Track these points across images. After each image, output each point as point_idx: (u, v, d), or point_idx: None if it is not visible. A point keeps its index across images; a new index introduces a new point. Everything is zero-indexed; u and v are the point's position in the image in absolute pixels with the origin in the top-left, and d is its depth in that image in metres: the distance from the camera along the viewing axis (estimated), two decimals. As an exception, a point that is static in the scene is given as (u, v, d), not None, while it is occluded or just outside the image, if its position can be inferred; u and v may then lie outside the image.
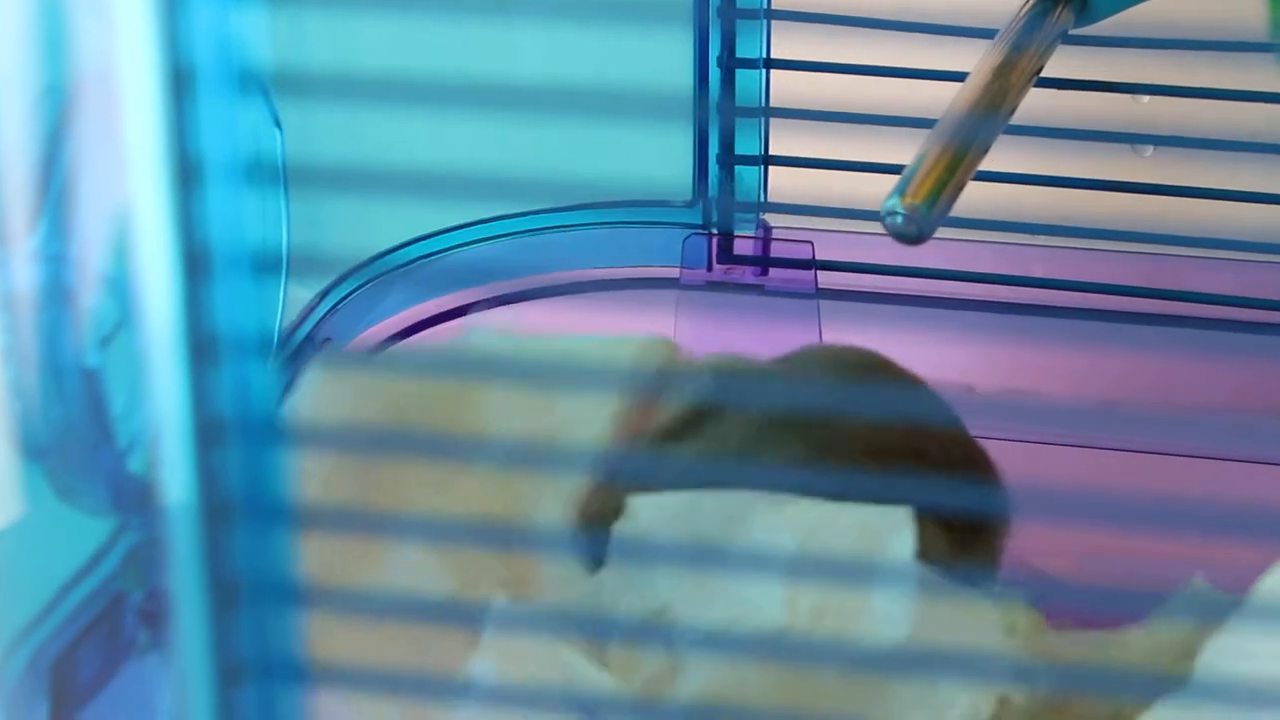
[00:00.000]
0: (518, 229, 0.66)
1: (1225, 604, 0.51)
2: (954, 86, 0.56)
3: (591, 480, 0.54)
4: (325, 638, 0.36)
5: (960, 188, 0.52)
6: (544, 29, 0.64)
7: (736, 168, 0.66)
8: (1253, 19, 0.54)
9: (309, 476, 0.36)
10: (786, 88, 0.65)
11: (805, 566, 0.49)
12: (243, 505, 0.34)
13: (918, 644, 0.48)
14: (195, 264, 0.32)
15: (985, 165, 0.53)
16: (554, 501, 0.54)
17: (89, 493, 0.46)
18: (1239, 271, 0.64)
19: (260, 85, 0.33)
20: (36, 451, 0.45)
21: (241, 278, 0.33)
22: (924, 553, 0.49)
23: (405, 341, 0.65)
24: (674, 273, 0.67)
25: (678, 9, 0.64)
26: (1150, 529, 0.35)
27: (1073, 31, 0.59)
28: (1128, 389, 0.66)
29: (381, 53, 0.59)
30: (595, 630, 0.50)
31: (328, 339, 0.63)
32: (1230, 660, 0.46)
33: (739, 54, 0.65)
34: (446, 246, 0.66)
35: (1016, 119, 0.56)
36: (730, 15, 0.64)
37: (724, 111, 0.65)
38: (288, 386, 0.51)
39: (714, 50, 0.64)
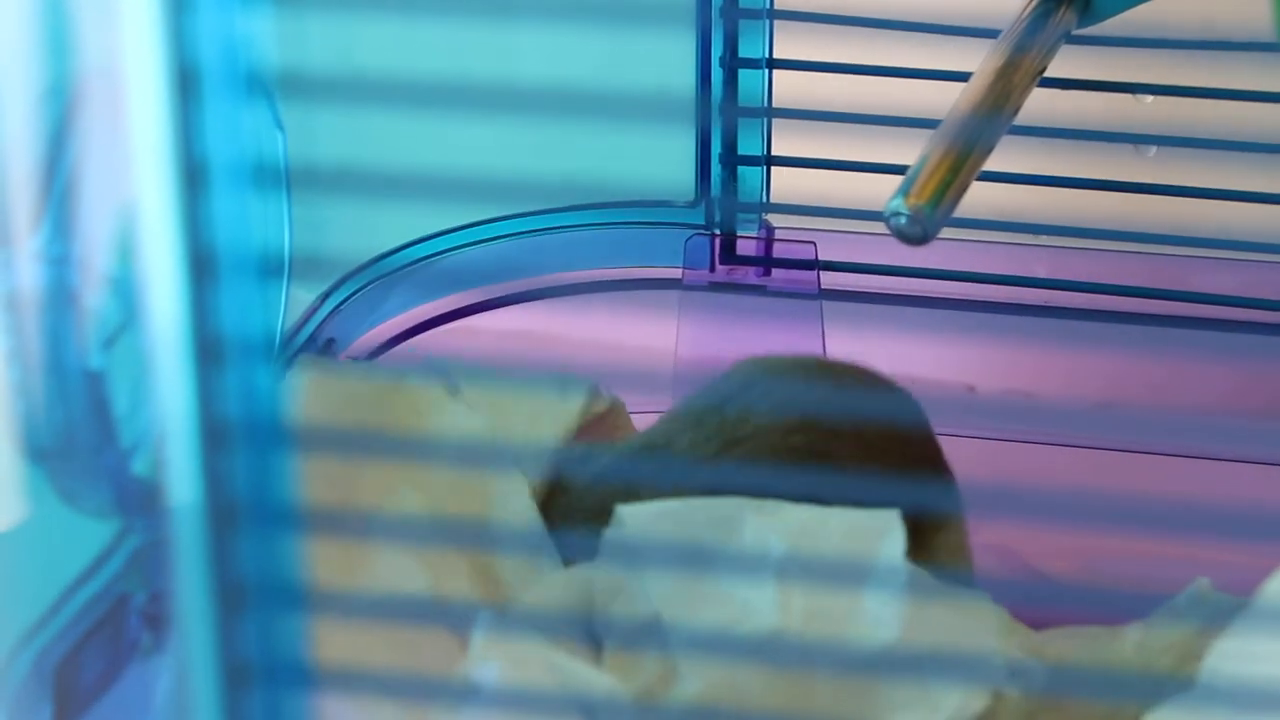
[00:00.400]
0: (520, 230, 0.66)
1: (1229, 606, 0.51)
2: (957, 87, 0.56)
3: (550, 479, 0.55)
4: (324, 641, 0.36)
5: (964, 189, 0.52)
6: (546, 30, 0.64)
7: (739, 168, 0.66)
8: (1257, 19, 0.54)
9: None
10: (789, 88, 0.65)
11: (797, 569, 0.49)
12: (248, 508, 0.34)
13: (909, 644, 0.48)
14: (201, 266, 0.32)
15: (989, 166, 0.53)
16: (522, 501, 0.54)
17: (92, 495, 0.46)
18: (1242, 272, 0.64)
19: (264, 87, 0.33)
20: (40, 454, 0.45)
21: (247, 280, 0.32)
22: None
23: (407, 342, 0.65)
24: (676, 273, 0.67)
25: (680, 10, 0.64)
26: (1117, 529, 0.35)
27: (1076, 32, 0.59)
28: (1130, 389, 0.66)
29: (383, 55, 0.59)
30: (589, 636, 0.50)
31: (331, 340, 0.63)
32: (1235, 662, 0.46)
33: (742, 54, 0.65)
34: (448, 248, 0.66)
35: (1020, 119, 0.56)
36: (733, 15, 0.64)
37: (726, 112, 0.65)
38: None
39: (716, 50, 0.64)
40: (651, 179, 0.66)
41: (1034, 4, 0.58)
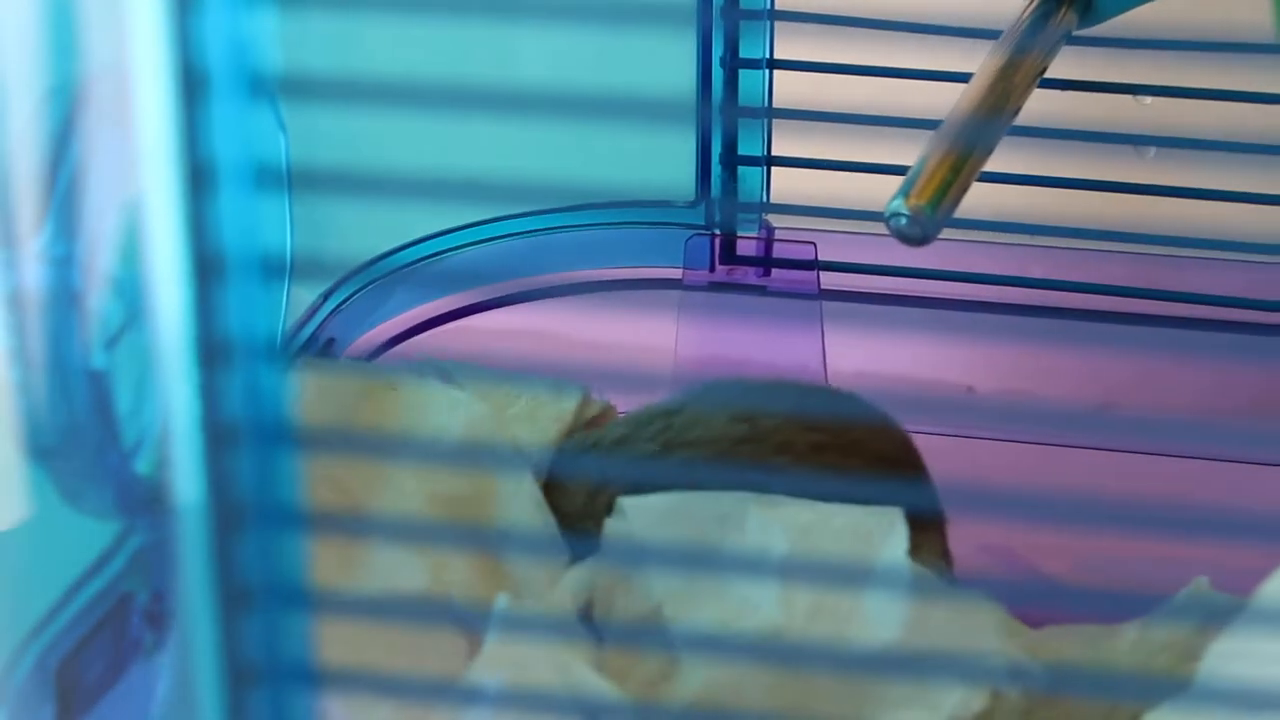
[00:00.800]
0: (520, 230, 0.66)
1: (1227, 605, 0.51)
2: (957, 88, 0.56)
3: (546, 477, 0.55)
4: (328, 642, 0.36)
5: (964, 189, 0.52)
6: (547, 31, 0.64)
7: (739, 168, 0.66)
8: (1257, 20, 0.54)
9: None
10: (790, 89, 0.65)
11: (799, 567, 0.49)
12: (252, 508, 0.34)
13: (911, 643, 0.48)
14: (205, 266, 0.32)
15: (989, 167, 0.53)
16: (529, 498, 0.54)
17: (95, 495, 0.46)
18: (1242, 273, 0.64)
19: (267, 88, 0.33)
20: (42, 453, 0.45)
21: (251, 280, 0.33)
22: None
23: (407, 342, 0.65)
24: (677, 274, 0.67)
25: (681, 10, 0.64)
26: (1113, 529, 0.35)
27: (1076, 33, 0.59)
28: (1128, 389, 0.66)
29: (384, 56, 0.59)
30: (591, 633, 0.50)
31: (331, 339, 0.63)
32: (1234, 662, 0.46)
33: (742, 55, 0.65)
34: (449, 248, 0.66)
35: (1020, 120, 0.56)
36: (733, 16, 0.64)
37: (727, 112, 0.65)
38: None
39: (717, 51, 0.64)
40: (652, 179, 0.66)
41: (1034, 5, 0.58)
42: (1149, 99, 0.64)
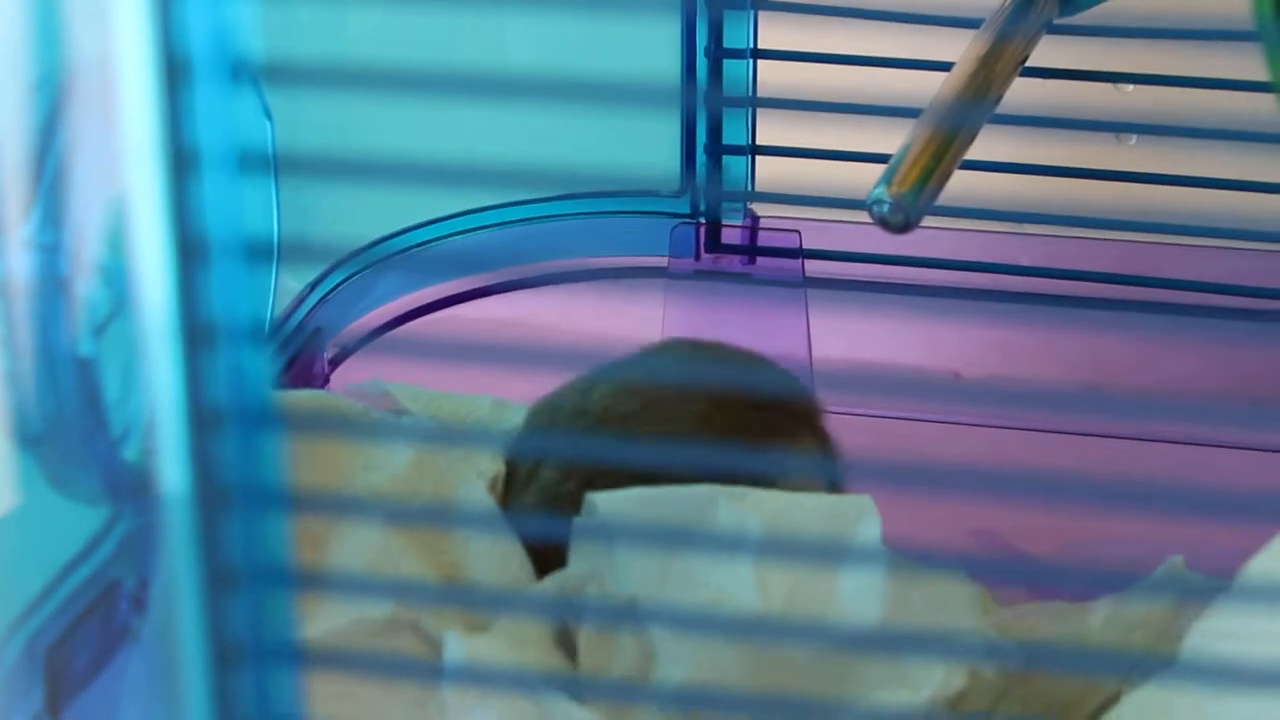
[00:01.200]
0: (507, 219, 0.67)
1: (1202, 585, 0.52)
2: (940, 76, 0.56)
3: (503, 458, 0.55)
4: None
5: (946, 176, 0.53)
6: (531, 19, 0.64)
7: (724, 157, 0.66)
8: (1236, 8, 0.54)
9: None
10: (774, 78, 0.66)
11: (774, 553, 0.49)
12: (237, 490, 0.34)
13: (890, 624, 0.48)
14: (191, 251, 0.32)
15: (971, 154, 0.54)
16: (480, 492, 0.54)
17: (83, 481, 0.46)
18: (1222, 258, 0.64)
19: (251, 75, 0.33)
20: (31, 440, 0.45)
21: (236, 265, 0.33)
22: None
23: (392, 332, 0.66)
24: (662, 262, 0.67)
25: (665, 0, 0.64)
26: (1093, 509, 0.36)
27: (1057, 21, 0.59)
28: (1114, 375, 0.66)
29: (368, 42, 0.60)
30: (564, 625, 0.50)
31: (318, 329, 0.63)
32: (1217, 640, 0.46)
33: (726, 44, 0.65)
34: (435, 237, 0.66)
35: (1001, 108, 0.56)
36: (717, 6, 0.64)
37: (711, 101, 0.65)
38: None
39: (701, 41, 0.65)
40: (637, 169, 0.66)
41: (1016, -7, 0.59)
42: (1129, 87, 0.64)
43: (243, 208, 0.33)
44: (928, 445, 0.65)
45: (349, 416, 0.54)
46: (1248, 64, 0.56)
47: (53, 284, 0.44)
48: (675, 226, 0.67)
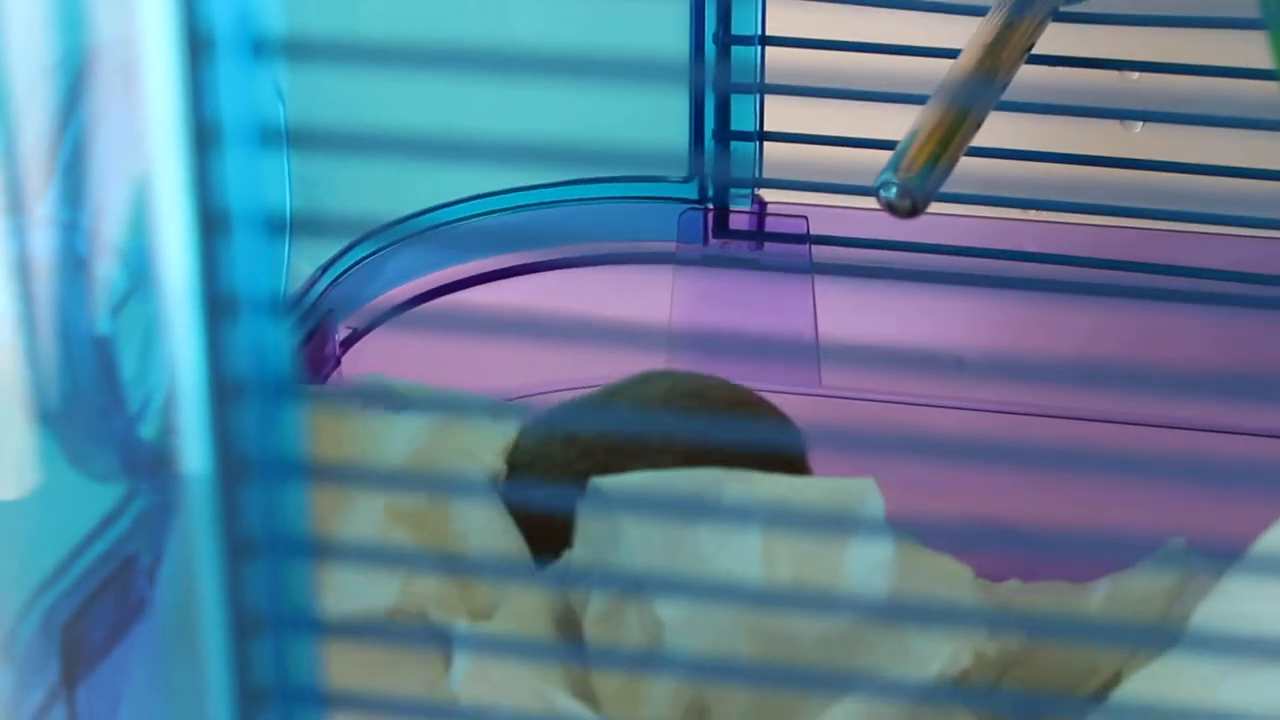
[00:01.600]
0: (516, 204, 0.67)
1: (1203, 565, 0.52)
2: (947, 62, 0.56)
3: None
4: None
5: (954, 161, 0.53)
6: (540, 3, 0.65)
7: (732, 143, 0.66)
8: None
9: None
10: (782, 63, 0.66)
11: (779, 536, 0.50)
12: (258, 461, 0.35)
13: (896, 603, 0.49)
14: (212, 225, 0.33)
15: (977, 140, 0.54)
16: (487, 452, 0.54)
17: (99, 458, 0.47)
18: (1228, 245, 0.65)
19: (271, 51, 0.34)
20: (49, 417, 0.45)
21: (257, 239, 0.33)
22: None
23: (401, 316, 0.66)
24: (670, 247, 0.67)
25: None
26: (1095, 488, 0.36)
27: (1064, 9, 0.60)
28: (1117, 352, 0.67)
29: (378, 18, 0.60)
30: (569, 612, 0.50)
31: (330, 311, 0.63)
32: (1226, 614, 0.46)
33: (735, 30, 0.65)
34: (444, 221, 0.66)
35: (1008, 94, 0.56)
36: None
37: (719, 86, 0.65)
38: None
39: (710, 26, 0.65)
40: (646, 155, 0.67)
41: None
42: (1135, 73, 0.64)
43: (263, 182, 0.33)
44: (932, 429, 0.65)
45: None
46: (1253, 50, 0.57)
47: (71, 262, 0.44)
48: (683, 212, 0.67)
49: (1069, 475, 0.36)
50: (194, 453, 0.35)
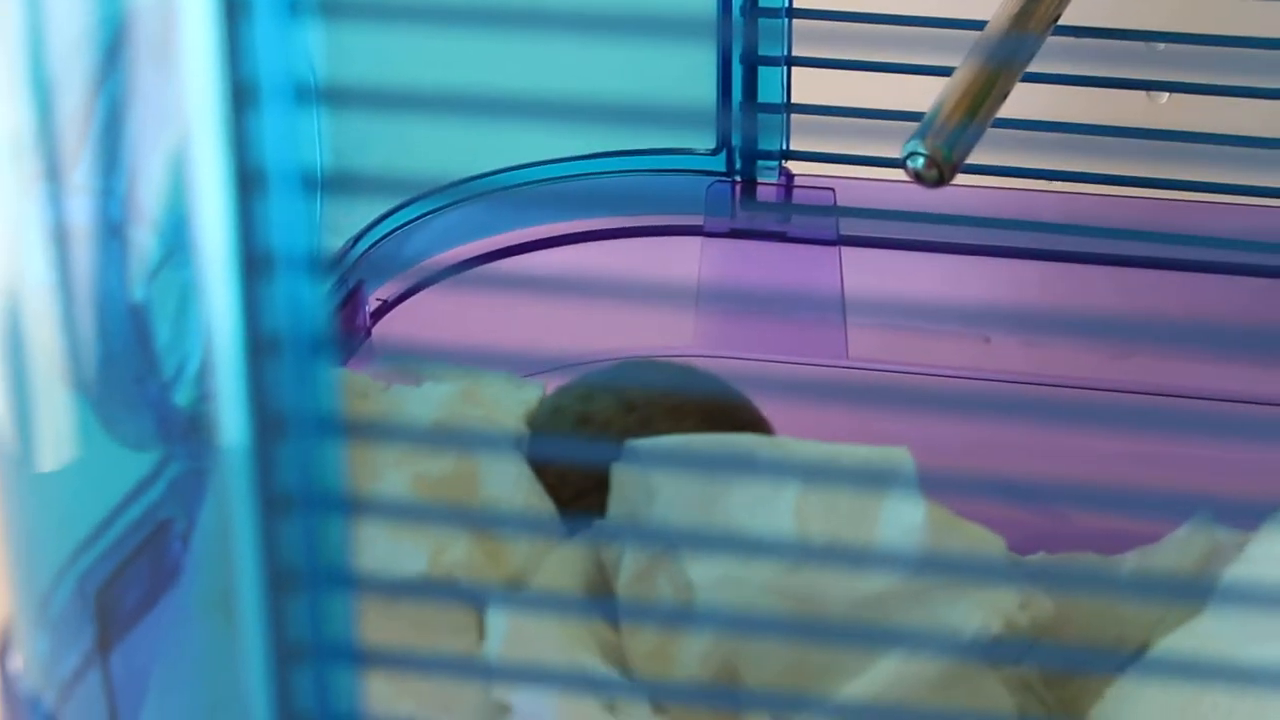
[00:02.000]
0: (544, 177, 0.67)
1: (1229, 541, 0.52)
2: (973, 34, 0.57)
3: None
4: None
5: (980, 131, 0.53)
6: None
7: (759, 115, 0.67)
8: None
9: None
10: (808, 34, 0.66)
11: (813, 501, 0.50)
12: (293, 417, 0.35)
13: (926, 572, 0.49)
14: (249, 182, 0.33)
15: (1003, 111, 0.54)
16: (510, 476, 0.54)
17: (134, 425, 0.47)
18: (1254, 217, 0.65)
19: (308, 7, 0.34)
20: (84, 384, 0.46)
21: (293, 196, 0.34)
22: None
23: (427, 289, 0.66)
24: (698, 220, 0.68)
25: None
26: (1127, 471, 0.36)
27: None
28: (1146, 335, 0.66)
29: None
30: (595, 608, 0.51)
31: (361, 282, 0.64)
32: (1255, 575, 0.47)
33: (762, 3, 0.66)
34: (474, 194, 0.67)
35: (1034, 65, 0.57)
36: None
37: (747, 60, 0.66)
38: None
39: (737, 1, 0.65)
40: (674, 127, 0.67)
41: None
42: (1161, 44, 0.64)
43: (299, 140, 0.34)
44: (954, 408, 0.65)
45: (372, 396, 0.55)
46: None
47: (106, 229, 0.44)
48: (711, 184, 0.67)
49: (1098, 437, 0.36)
50: (230, 409, 0.35)
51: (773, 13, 0.65)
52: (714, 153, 0.67)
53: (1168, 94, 0.66)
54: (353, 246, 0.64)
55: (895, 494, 0.50)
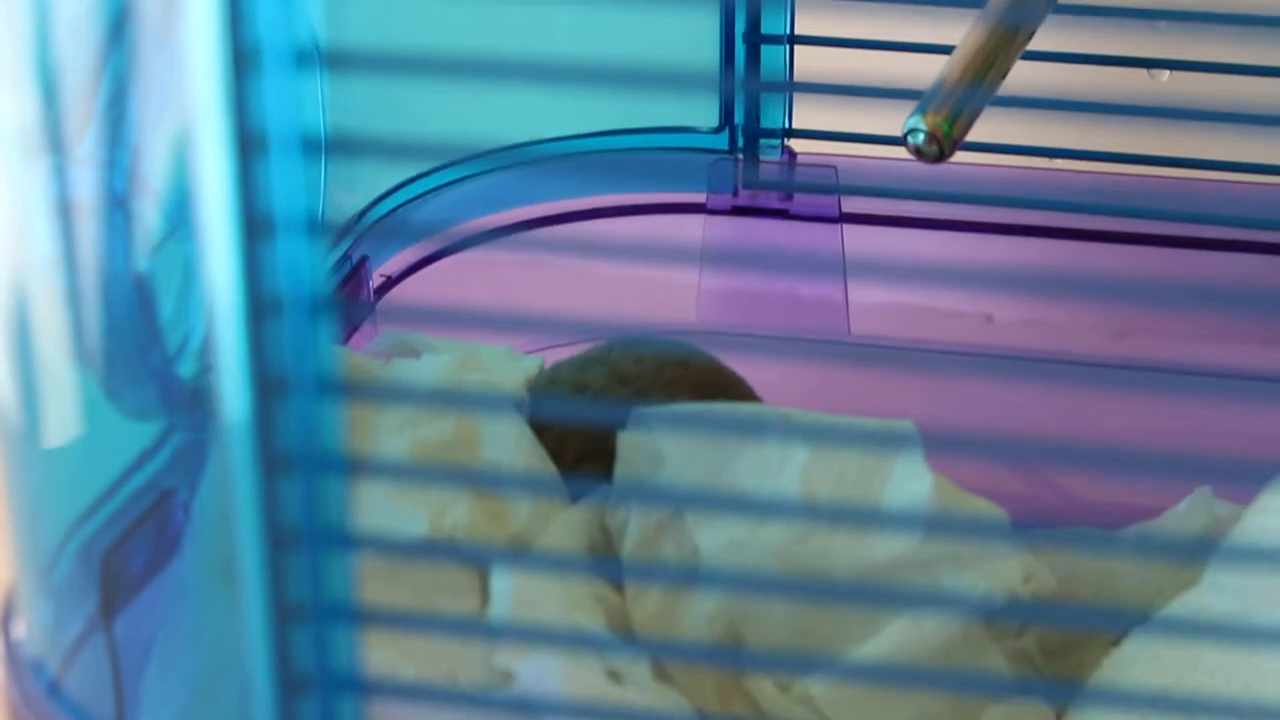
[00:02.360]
0: (547, 154, 0.67)
1: (1230, 514, 0.53)
2: (976, 11, 0.57)
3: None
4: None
5: (981, 107, 0.53)
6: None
7: (762, 94, 0.67)
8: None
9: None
10: (811, 11, 0.66)
11: (820, 473, 0.50)
12: (293, 377, 0.35)
13: (931, 544, 0.49)
14: (250, 144, 0.34)
15: (1005, 89, 0.54)
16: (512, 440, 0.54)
17: (138, 395, 0.47)
18: (1256, 195, 0.65)
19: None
20: (88, 354, 0.46)
21: (293, 158, 0.34)
22: None
23: (432, 265, 0.66)
24: (700, 198, 0.68)
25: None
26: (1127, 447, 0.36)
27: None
28: (1148, 318, 0.67)
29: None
30: (599, 569, 0.51)
31: (365, 257, 0.64)
32: (1260, 533, 0.47)
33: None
34: (477, 172, 0.67)
35: (1034, 44, 0.57)
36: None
37: (750, 38, 0.66)
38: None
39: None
40: (677, 105, 0.67)
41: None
42: (1162, 22, 0.64)
43: (300, 103, 0.34)
44: (957, 387, 0.66)
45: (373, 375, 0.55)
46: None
47: (110, 200, 0.45)
48: (714, 162, 0.68)
49: (1098, 410, 0.36)
50: (230, 370, 0.35)
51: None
52: (717, 131, 0.68)
53: (1169, 71, 0.66)
54: (357, 222, 0.64)
55: (901, 465, 0.50)
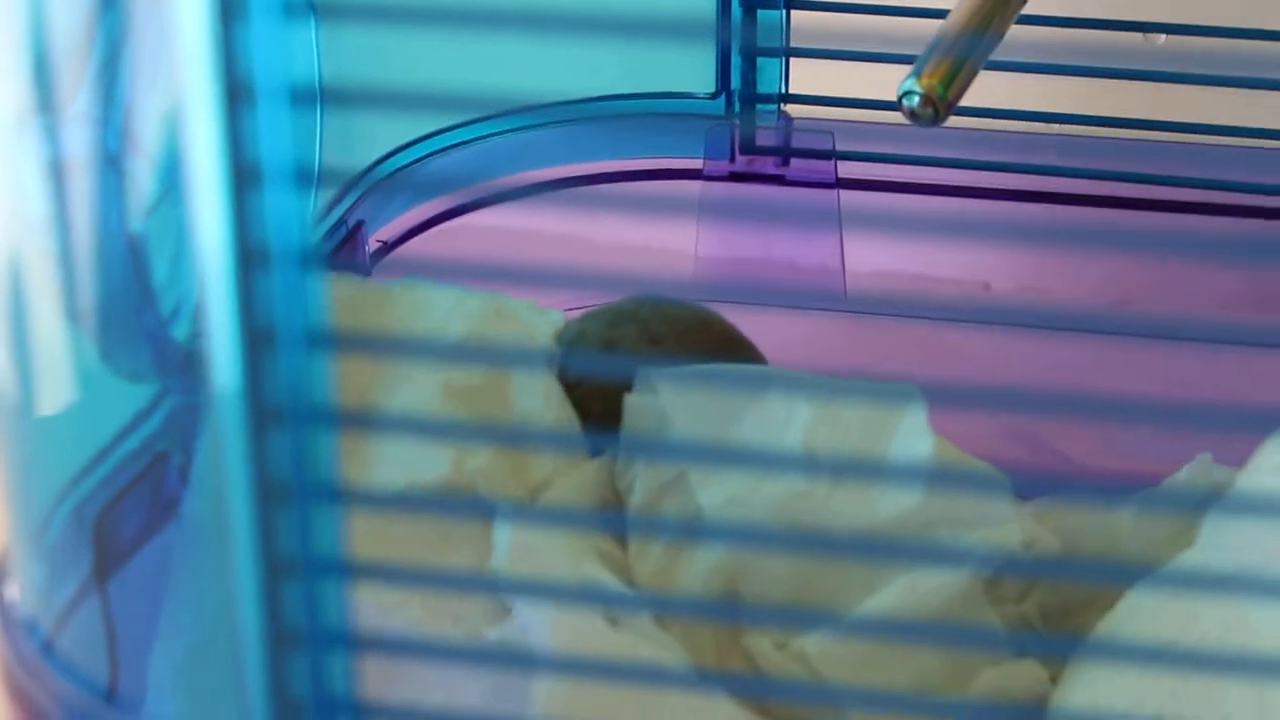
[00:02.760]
0: (546, 121, 0.67)
1: (1231, 481, 0.53)
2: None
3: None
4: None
5: (976, 70, 0.53)
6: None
7: (758, 59, 0.67)
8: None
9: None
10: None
11: (823, 433, 0.50)
12: (283, 330, 0.35)
13: (932, 504, 0.49)
14: (238, 95, 0.34)
15: (1001, 55, 0.54)
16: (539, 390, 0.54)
17: (132, 357, 0.47)
18: (1251, 159, 0.65)
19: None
20: (81, 315, 0.46)
21: (281, 110, 0.34)
22: None
23: (432, 230, 0.66)
24: (697, 164, 0.68)
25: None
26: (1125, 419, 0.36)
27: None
28: (1146, 285, 0.67)
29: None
30: (614, 524, 0.51)
31: (361, 222, 0.64)
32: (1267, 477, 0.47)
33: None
34: (473, 138, 0.67)
35: (1029, 8, 0.57)
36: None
37: (747, 3, 0.66)
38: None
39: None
40: (674, 72, 0.67)
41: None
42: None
43: (288, 53, 0.34)
44: (954, 355, 0.66)
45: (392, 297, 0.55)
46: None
47: (104, 159, 0.44)
48: (710, 128, 0.68)
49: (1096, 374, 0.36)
50: (219, 322, 0.35)
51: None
52: (713, 96, 0.68)
53: (1164, 35, 0.66)
54: (353, 186, 0.64)
55: (905, 424, 0.50)
